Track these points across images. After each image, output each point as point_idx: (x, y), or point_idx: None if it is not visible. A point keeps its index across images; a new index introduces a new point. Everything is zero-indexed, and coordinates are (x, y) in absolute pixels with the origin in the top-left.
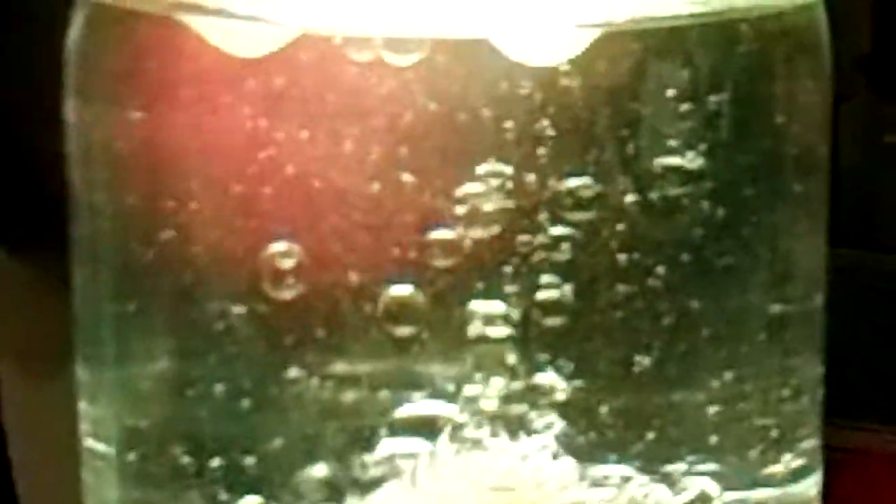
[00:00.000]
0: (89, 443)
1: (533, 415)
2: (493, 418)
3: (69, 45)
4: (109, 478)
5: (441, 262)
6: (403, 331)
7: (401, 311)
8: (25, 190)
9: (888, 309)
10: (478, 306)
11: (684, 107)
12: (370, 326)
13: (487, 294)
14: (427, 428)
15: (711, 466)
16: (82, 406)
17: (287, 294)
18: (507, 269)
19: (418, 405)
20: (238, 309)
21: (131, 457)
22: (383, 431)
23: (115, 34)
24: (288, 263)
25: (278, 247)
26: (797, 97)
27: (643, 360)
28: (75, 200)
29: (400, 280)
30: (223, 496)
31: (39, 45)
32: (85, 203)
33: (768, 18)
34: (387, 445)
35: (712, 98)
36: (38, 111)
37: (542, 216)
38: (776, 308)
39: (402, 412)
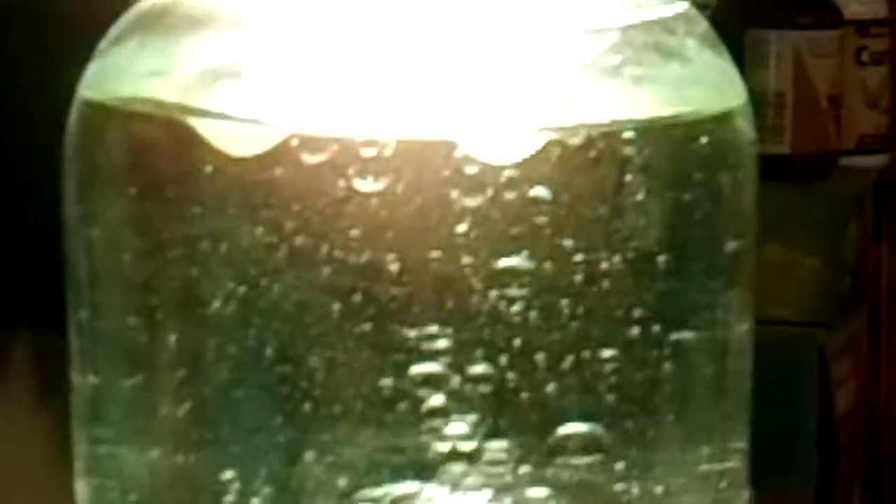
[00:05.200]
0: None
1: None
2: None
3: (67, 140)
4: None
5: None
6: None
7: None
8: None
9: None
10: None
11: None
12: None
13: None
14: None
15: None
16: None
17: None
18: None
19: None
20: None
21: None
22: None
23: (112, 132)
24: None
25: None
26: (724, 195)
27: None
28: (73, 293)
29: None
30: None
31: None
32: (86, 300)
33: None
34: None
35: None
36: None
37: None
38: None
39: None
